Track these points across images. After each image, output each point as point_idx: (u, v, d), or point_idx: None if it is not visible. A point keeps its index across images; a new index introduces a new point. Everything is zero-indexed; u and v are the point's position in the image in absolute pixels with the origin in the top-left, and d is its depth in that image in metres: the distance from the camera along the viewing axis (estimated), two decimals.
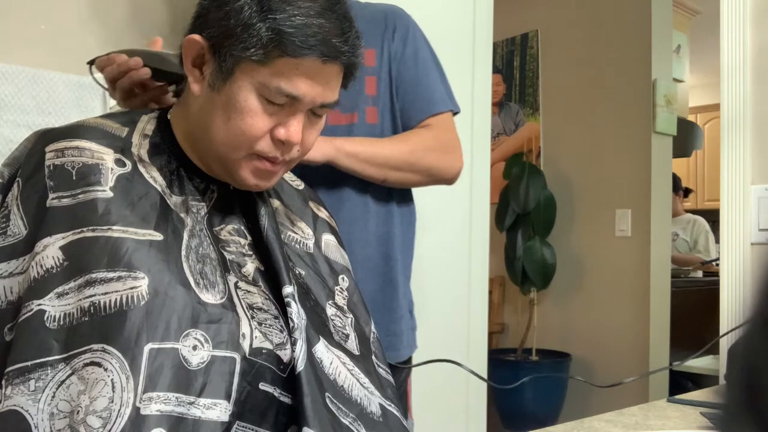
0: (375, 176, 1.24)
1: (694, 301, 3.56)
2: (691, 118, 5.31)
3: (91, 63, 1.05)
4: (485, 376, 2.32)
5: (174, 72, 0.98)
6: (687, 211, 4.60)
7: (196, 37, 0.84)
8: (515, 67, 3.95)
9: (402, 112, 1.29)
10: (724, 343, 1.45)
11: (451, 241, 2.23)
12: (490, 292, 3.66)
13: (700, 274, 4.07)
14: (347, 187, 1.25)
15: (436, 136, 1.29)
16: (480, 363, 2.30)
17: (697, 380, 3.14)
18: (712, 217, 4.06)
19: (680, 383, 3.23)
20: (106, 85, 1.03)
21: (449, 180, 1.32)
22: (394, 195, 1.31)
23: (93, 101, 1.53)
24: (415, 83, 1.29)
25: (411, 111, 1.29)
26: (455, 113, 1.34)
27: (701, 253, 4.27)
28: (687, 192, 4.95)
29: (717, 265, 3.70)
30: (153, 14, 1.56)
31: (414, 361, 1.32)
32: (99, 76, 1.03)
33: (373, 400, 0.87)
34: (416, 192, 2.14)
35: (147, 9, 1.55)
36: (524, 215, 3.49)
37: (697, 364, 2.98)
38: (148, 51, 1.01)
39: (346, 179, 1.24)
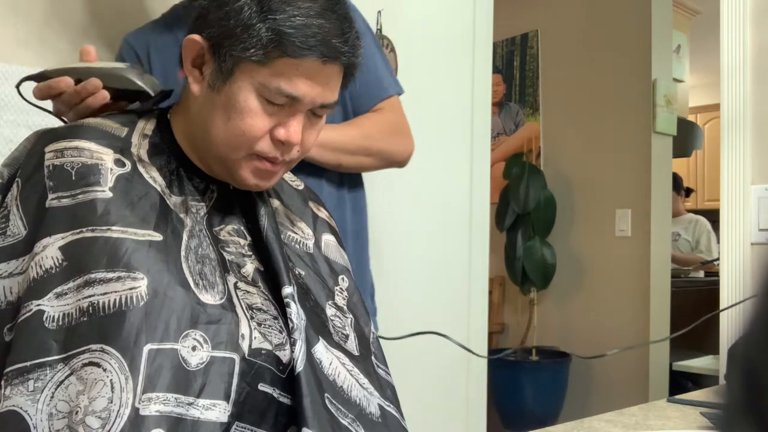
0: (330, 161, 1.25)
1: (694, 301, 3.56)
2: (691, 118, 5.30)
3: (19, 84, 0.96)
4: (485, 376, 2.32)
5: (132, 89, 0.92)
6: (687, 211, 4.59)
7: (196, 37, 0.84)
8: (515, 67, 3.95)
9: (352, 98, 1.30)
10: (724, 342, 1.45)
11: (451, 241, 2.23)
12: (490, 292, 3.66)
13: (701, 274, 4.06)
14: (301, 174, 1.25)
15: (389, 120, 1.31)
16: (480, 362, 2.30)
17: (697, 380, 3.14)
18: (712, 217, 4.06)
19: (680, 383, 3.23)
20: (49, 108, 0.95)
21: (402, 162, 1.34)
22: (345, 181, 1.33)
23: None
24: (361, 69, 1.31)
25: (362, 97, 1.30)
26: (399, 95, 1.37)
27: (703, 253, 4.26)
28: (688, 192, 4.94)
29: (718, 264, 3.70)
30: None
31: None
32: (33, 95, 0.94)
33: (372, 400, 0.87)
34: (416, 192, 2.14)
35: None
36: (524, 215, 3.49)
37: (697, 364, 2.97)
38: (96, 68, 0.92)
39: (300, 165, 1.24)
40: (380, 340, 1.02)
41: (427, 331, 1.17)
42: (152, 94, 0.93)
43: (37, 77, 0.94)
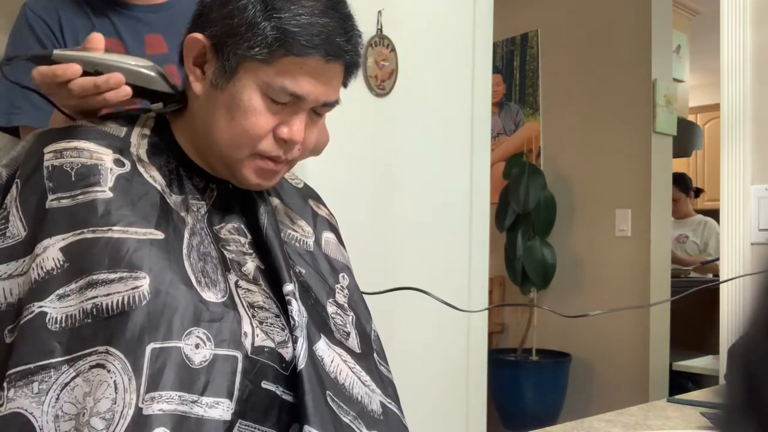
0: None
1: (694, 301, 3.56)
2: (691, 118, 5.30)
3: (10, 61, 0.88)
4: (485, 376, 2.32)
5: (152, 90, 0.86)
6: None
7: (198, 35, 0.84)
8: (515, 67, 3.95)
9: None
10: (724, 342, 1.45)
11: (451, 241, 2.23)
12: (490, 292, 3.65)
13: (706, 275, 4.02)
14: None
15: None
16: (480, 363, 2.30)
17: (697, 380, 3.14)
18: (712, 217, 4.05)
19: (680, 383, 3.23)
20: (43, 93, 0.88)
21: (320, 153, 1.33)
22: None
23: None
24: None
25: None
26: None
27: (711, 256, 4.21)
28: (698, 192, 4.90)
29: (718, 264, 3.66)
30: None
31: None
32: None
33: (374, 398, 0.87)
34: (416, 192, 2.13)
35: None
36: (524, 215, 3.49)
37: (697, 364, 2.97)
38: (123, 65, 0.84)
39: None
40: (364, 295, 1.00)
41: (407, 287, 1.19)
42: (180, 97, 0.88)
43: (41, 59, 0.86)
